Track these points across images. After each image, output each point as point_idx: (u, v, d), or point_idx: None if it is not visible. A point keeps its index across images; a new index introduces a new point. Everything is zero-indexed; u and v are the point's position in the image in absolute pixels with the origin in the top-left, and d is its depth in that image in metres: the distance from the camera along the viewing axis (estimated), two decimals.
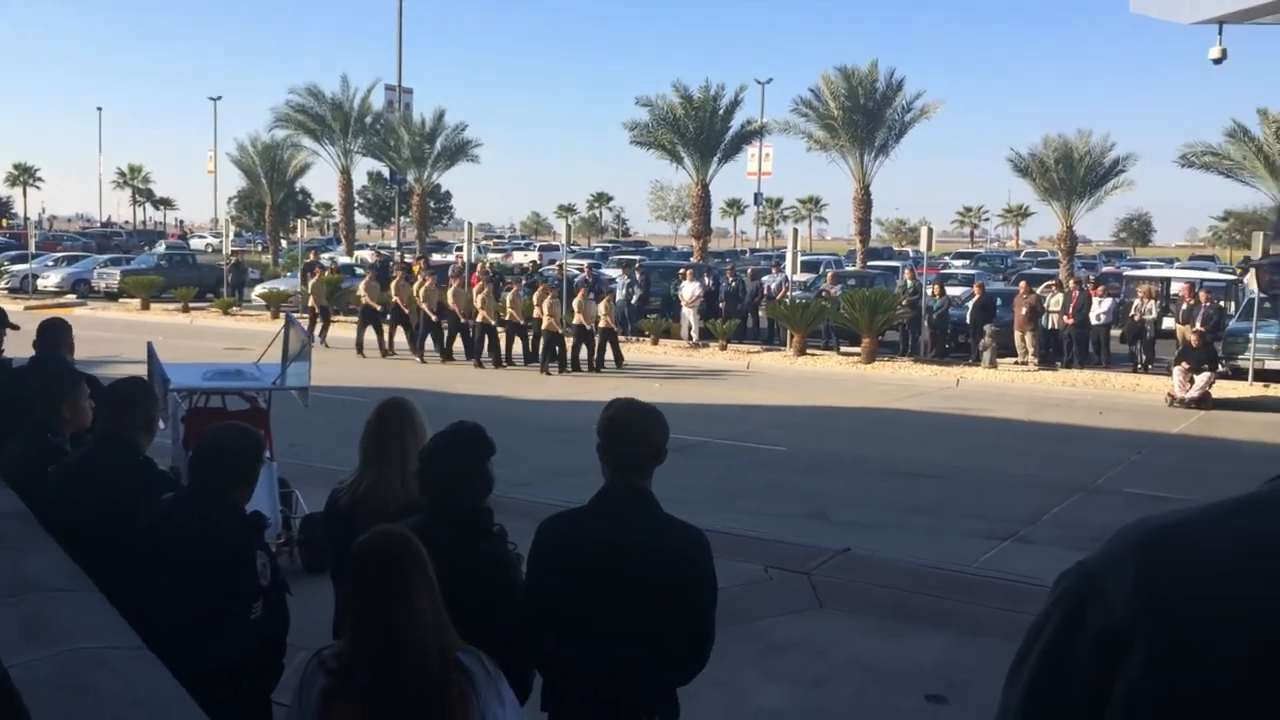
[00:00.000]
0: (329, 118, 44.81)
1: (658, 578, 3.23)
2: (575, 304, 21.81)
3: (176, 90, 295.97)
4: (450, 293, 22.50)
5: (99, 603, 3.58)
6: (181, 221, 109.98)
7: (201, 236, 76.32)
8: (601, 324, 21.55)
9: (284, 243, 53.21)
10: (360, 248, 51.20)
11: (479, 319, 21.68)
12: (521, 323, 21.67)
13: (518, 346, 22.04)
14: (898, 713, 6.03)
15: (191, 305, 32.09)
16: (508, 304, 21.70)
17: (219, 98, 73.60)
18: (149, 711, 2.90)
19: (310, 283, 26.21)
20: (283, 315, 10.96)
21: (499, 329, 21.79)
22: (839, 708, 6.07)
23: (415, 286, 23.04)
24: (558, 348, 21.26)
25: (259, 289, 33.06)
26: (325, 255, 38.86)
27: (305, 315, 24.75)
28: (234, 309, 31.61)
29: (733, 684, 5.95)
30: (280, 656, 3.71)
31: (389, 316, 23.79)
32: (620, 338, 25.69)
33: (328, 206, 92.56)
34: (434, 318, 22.42)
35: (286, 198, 59.11)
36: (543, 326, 21.10)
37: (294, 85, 45.87)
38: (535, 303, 21.37)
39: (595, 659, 3.25)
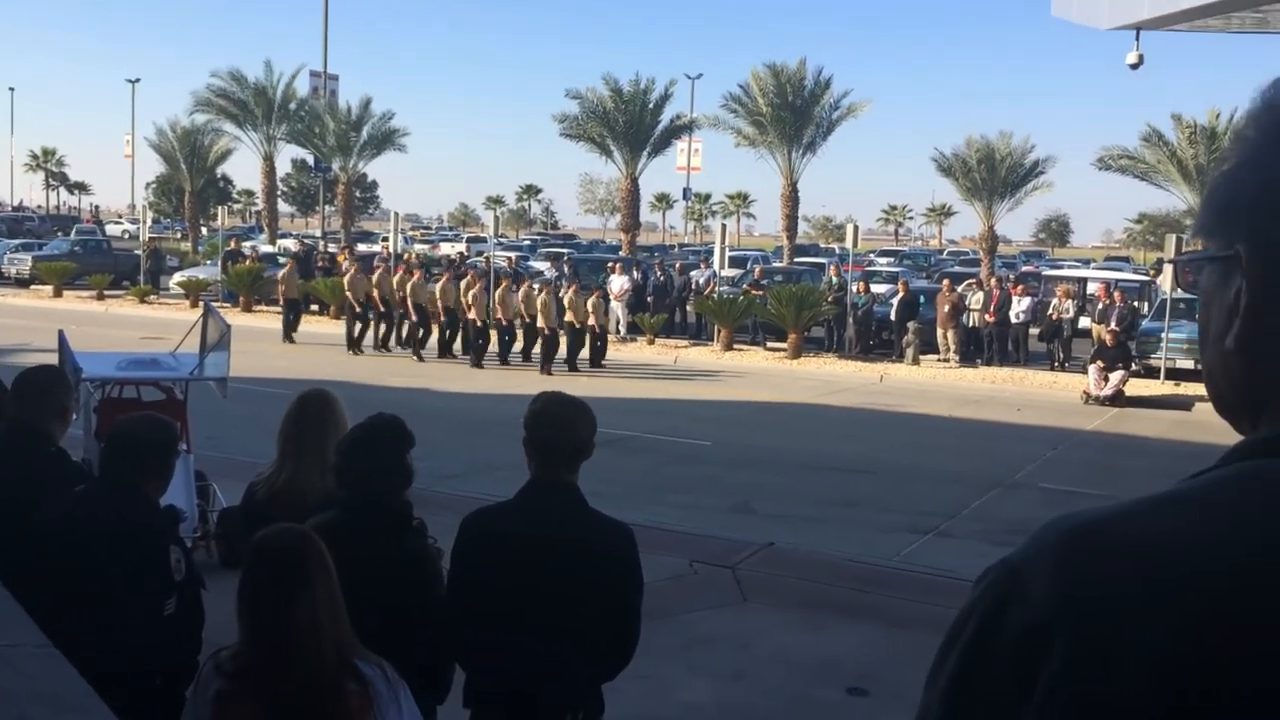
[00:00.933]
0: (252, 103, 43.89)
1: (583, 573, 3.21)
2: (497, 296, 21.49)
3: (93, 72, 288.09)
4: (439, 288, 21.87)
5: (2, 598, 3.46)
6: (96, 207, 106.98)
7: (118, 222, 74.33)
8: (590, 321, 21.00)
9: (204, 230, 52.03)
10: (283, 236, 50.35)
11: (471, 316, 21.03)
12: (505, 322, 20.97)
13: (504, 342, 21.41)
14: (819, 705, 6.09)
15: (106, 293, 31.26)
16: (497, 300, 20.94)
17: (137, 80, 71.61)
18: (54, 710, 2.80)
19: (281, 273, 25.00)
20: (201, 304, 10.73)
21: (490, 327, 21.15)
22: (761, 701, 6.12)
23: (399, 280, 22.28)
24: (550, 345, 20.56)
25: (177, 277, 32.30)
26: (247, 243, 38.19)
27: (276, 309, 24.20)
28: (151, 297, 30.86)
29: (656, 678, 5.96)
30: (196, 654, 3.62)
31: (369, 312, 22.76)
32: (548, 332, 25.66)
33: (250, 194, 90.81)
34: (401, 311, 22.15)
35: (207, 184, 57.81)
36: (538, 324, 20.51)
37: (216, 69, 44.75)
38: (522, 301, 20.75)
39: (518, 655, 3.22)
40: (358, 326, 22.59)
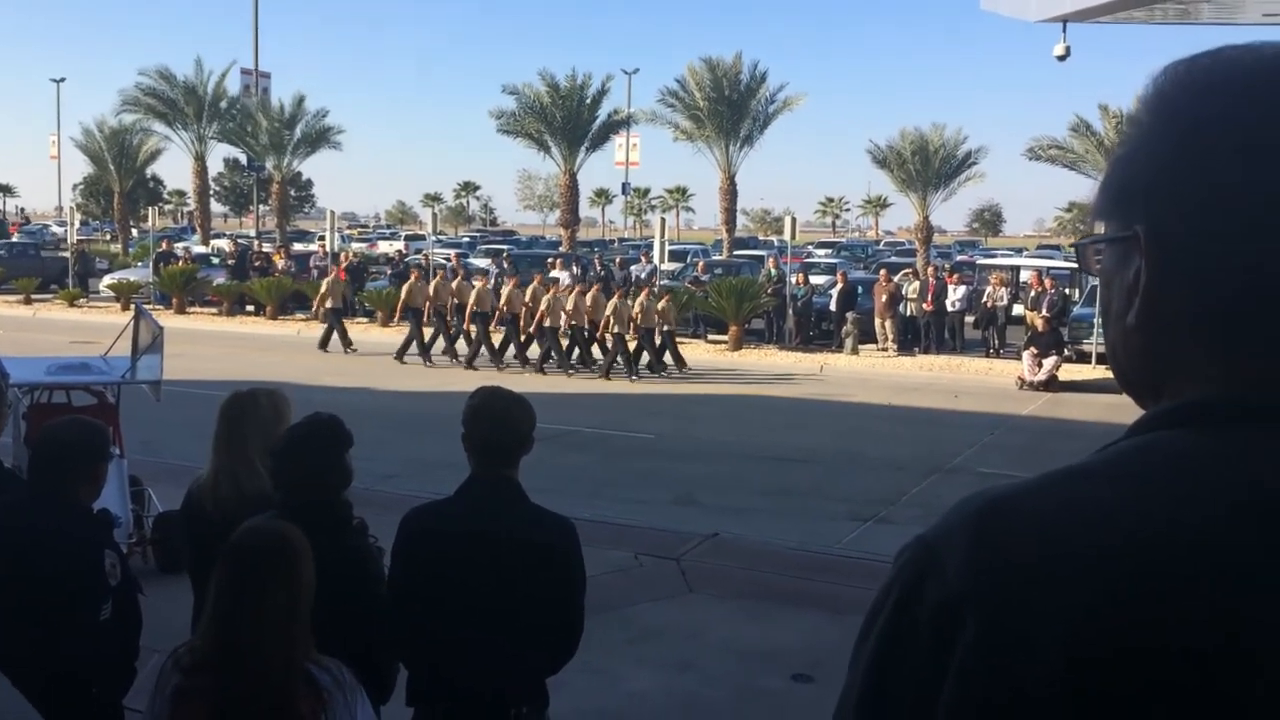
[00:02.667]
0: (181, 102, 43.03)
1: (525, 568, 3.21)
2: (325, 284, 21.37)
3: (16, 71, 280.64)
4: (508, 293, 20.45)
5: None
6: (22, 209, 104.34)
7: (44, 225, 72.56)
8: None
9: (135, 232, 51.01)
10: (217, 237, 49.47)
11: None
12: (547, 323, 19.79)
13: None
14: (765, 693, 6.14)
15: (34, 297, 30.52)
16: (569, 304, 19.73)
17: (62, 79, 69.87)
18: None
19: (327, 281, 22.87)
20: (133, 307, 10.52)
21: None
22: (708, 690, 6.16)
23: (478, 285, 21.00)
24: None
25: (108, 280, 31.61)
26: (180, 245, 37.48)
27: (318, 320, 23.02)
28: (81, 301, 30.19)
29: (603, 671, 5.97)
30: (132, 660, 3.57)
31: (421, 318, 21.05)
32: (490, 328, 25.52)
33: (181, 194, 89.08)
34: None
35: (137, 185, 56.61)
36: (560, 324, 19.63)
37: (144, 67, 43.77)
38: (567, 300, 19.68)
39: (462, 652, 3.21)
40: (426, 335, 20.97)
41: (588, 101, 38.99)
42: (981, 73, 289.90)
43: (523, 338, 20.20)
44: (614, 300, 19.46)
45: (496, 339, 20.60)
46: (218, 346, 22.15)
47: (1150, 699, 0.74)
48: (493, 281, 26.52)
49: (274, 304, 27.11)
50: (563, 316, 19.54)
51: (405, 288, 21.53)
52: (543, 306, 19.48)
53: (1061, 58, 15.72)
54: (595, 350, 19.92)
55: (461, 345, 20.97)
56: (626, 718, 5.80)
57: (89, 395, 7.93)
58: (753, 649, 6.70)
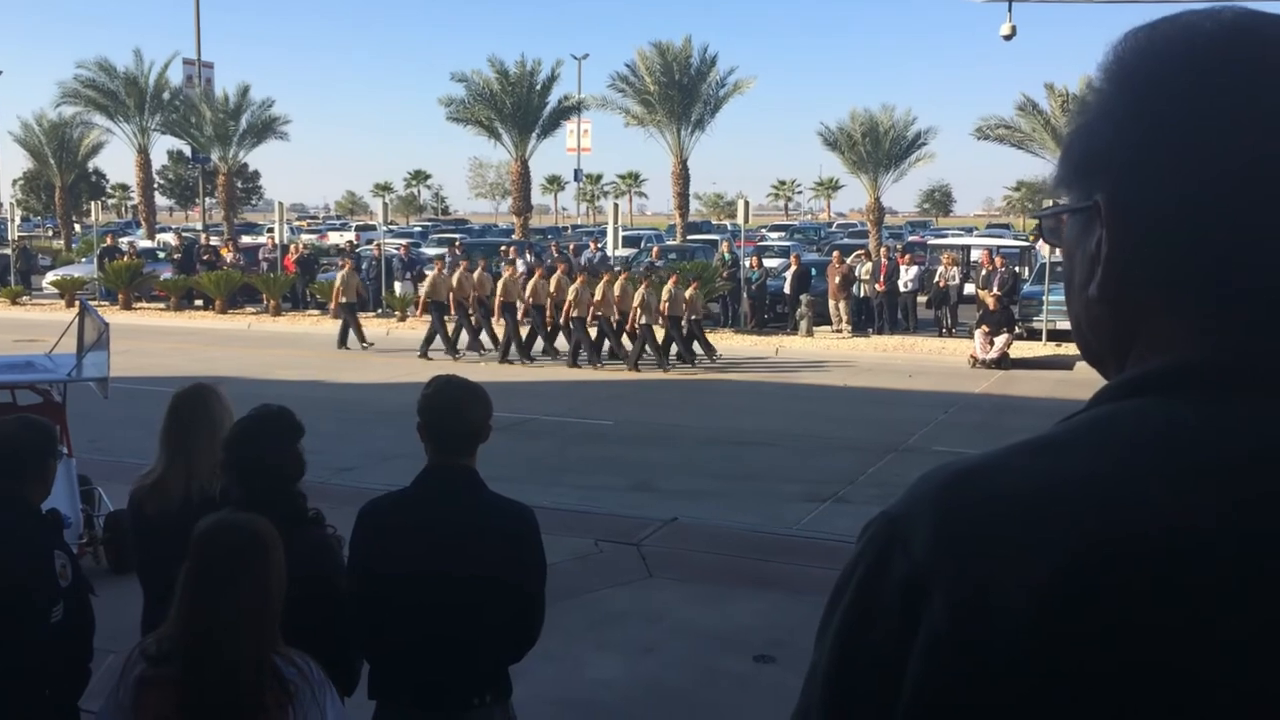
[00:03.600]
0: (123, 93, 42.19)
1: (485, 557, 3.19)
2: (339, 278, 20.90)
3: None
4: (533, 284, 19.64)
5: None
6: None
7: None
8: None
9: (77, 227, 50.05)
10: (162, 230, 48.62)
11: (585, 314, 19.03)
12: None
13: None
14: (727, 675, 6.17)
15: None
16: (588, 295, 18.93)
17: None
18: None
19: (340, 275, 21.61)
20: (78, 303, 10.33)
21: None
22: (670, 674, 6.18)
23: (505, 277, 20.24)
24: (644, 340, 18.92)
25: (51, 276, 31.00)
26: (124, 239, 36.83)
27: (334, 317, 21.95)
28: (23, 298, 29.61)
29: (566, 658, 5.97)
30: (86, 661, 3.51)
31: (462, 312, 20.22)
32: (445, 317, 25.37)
33: (125, 188, 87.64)
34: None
35: (78, 179, 55.52)
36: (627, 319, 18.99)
37: (83, 59, 42.87)
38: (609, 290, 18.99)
39: (424, 643, 3.19)
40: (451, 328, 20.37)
41: (538, 88, 38.77)
42: (930, 54, 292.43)
43: (548, 328, 19.69)
44: (641, 289, 18.78)
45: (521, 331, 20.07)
46: (166, 342, 21.82)
47: (1118, 671, 0.73)
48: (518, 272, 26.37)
49: (223, 298, 26.76)
50: (590, 307, 18.96)
51: (429, 280, 20.77)
52: (570, 297, 18.85)
53: (1008, 37, 15.89)
54: (625, 341, 19.37)
55: (475, 338, 20.50)
56: (590, 704, 5.81)
57: (34, 394, 7.78)
58: (714, 631, 6.73)
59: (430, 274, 21.16)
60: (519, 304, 19.67)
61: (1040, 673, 0.74)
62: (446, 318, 20.37)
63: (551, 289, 19.33)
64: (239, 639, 2.58)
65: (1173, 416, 0.81)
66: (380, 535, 3.25)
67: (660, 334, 19.19)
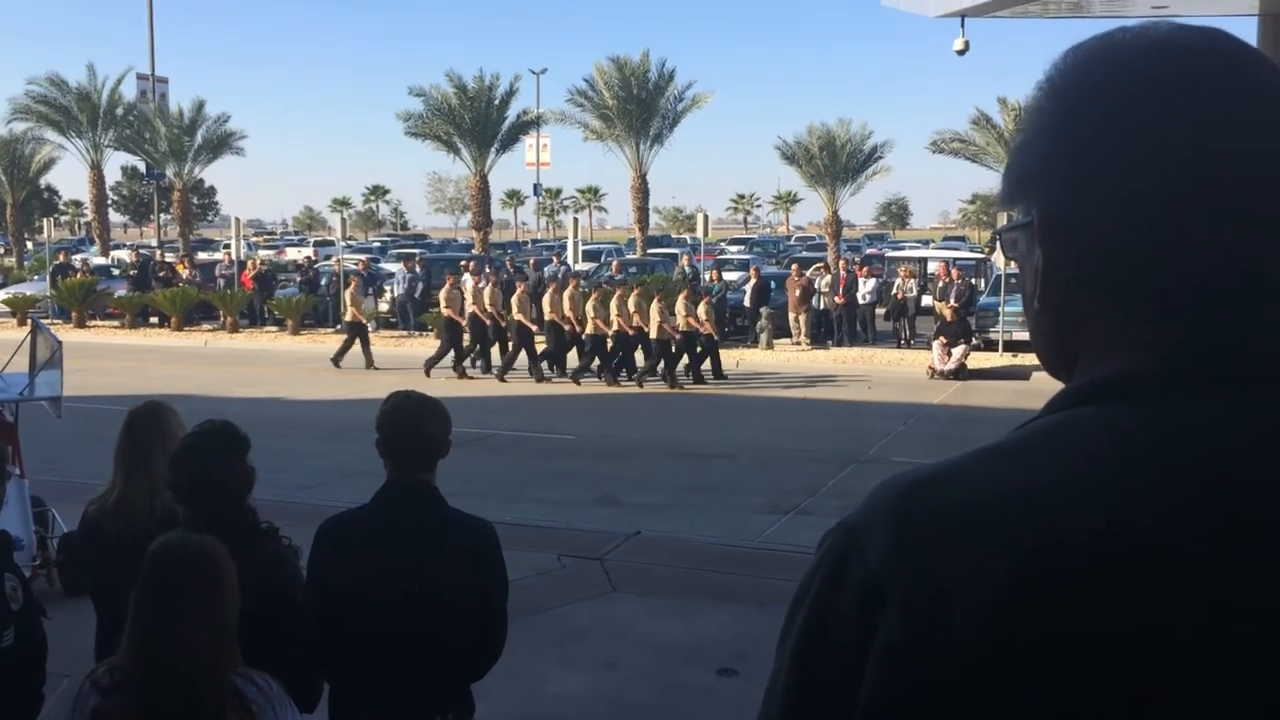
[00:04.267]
0: (75, 109, 41.64)
1: (446, 573, 3.17)
2: (348, 295, 20.62)
3: None
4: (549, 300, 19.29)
5: None
6: None
7: None
8: (704, 330, 18.87)
9: (29, 244, 49.28)
10: (117, 247, 48.02)
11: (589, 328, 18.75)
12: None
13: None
14: (691, 688, 6.17)
15: None
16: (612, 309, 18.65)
17: None
18: None
19: (349, 292, 20.92)
20: (30, 321, 10.16)
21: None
22: (634, 688, 6.16)
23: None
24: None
25: (1, 294, 30.48)
26: (77, 256, 36.33)
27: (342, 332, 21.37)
28: None
29: (529, 674, 5.94)
30: (38, 686, 3.44)
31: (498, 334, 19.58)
32: (404, 333, 25.22)
33: (79, 204, 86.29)
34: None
35: (30, 195, 54.64)
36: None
37: (34, 75, 42.28)
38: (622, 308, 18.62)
39: (385, 661, 3.16)
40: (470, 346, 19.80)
41: (496, 102, 38.70)
42: (885, 68, 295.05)
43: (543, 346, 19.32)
44: (655, 304, 18.40)
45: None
46: (121, 360, 21.53)
47: (1072, 670, 0.74)
48: (403, 286, 26.27)
49: (179, 315, 26.46)
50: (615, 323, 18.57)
51: (442, 295, 20.07)
52: (590, 313, 18.56)
53: (961, 52, 16.04)
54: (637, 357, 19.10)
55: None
56: (555, 719, 5.78)
57: None
58: (678, 645, 6.72)
59: (443, 289, 20.30)
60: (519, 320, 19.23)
61: (996, 675, 0.75)
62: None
63: (565, 305, 18.97)
64: (198, 662, 2.54)
65: (1122, 422, 0.82)
66: (339, 553, 3.22)
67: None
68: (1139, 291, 0.85)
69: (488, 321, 19.47)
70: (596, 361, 18.89)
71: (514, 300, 19.29)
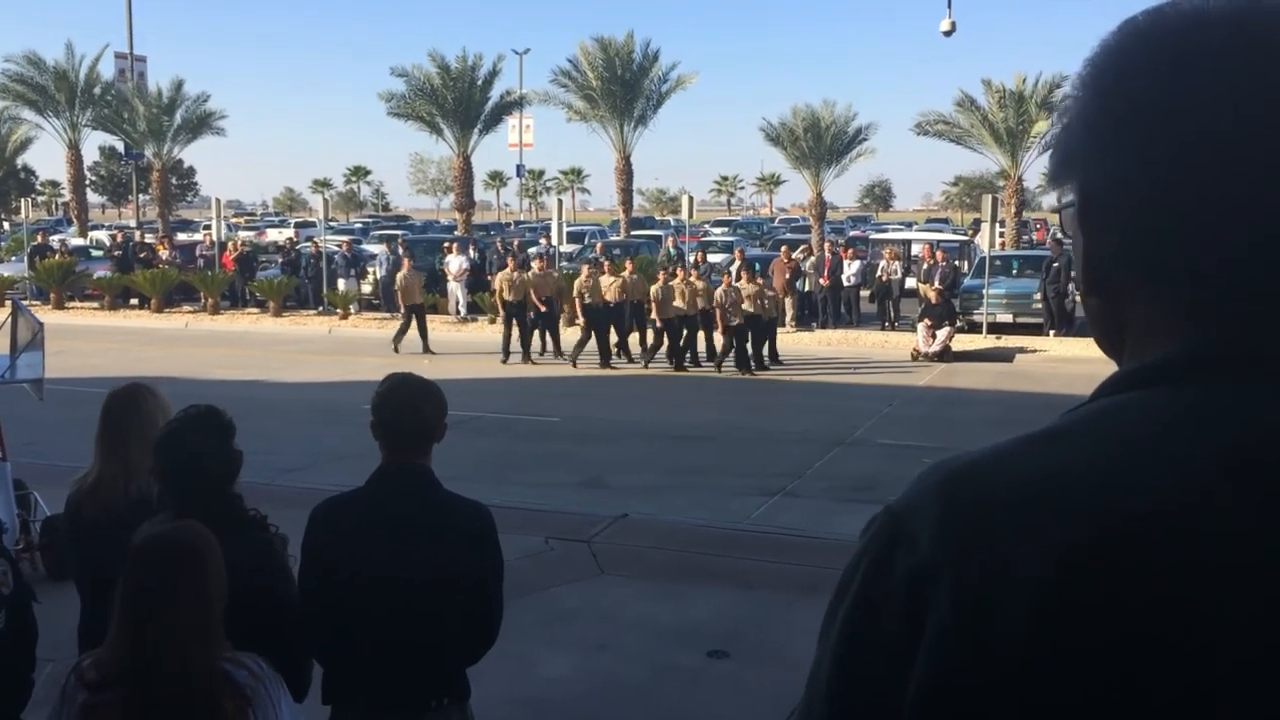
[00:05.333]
0: (52, 88, 41.15)
1: (443, 557, 3.14)
2: (401, 278, 20.27)
3: None
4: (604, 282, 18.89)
5: None
6: None
7: None
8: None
9: (6, 225, 48.81)
10: (95, 228, 47.59)
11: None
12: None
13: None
14: (682, 670, 6.17)
15: None
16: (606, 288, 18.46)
17: None
18: None
19: (401, 275, 20.23)
20: (9, 303, 10.05)
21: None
22: (624, 670, 6.16)
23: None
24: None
25: None
26: (55, 237, 35.98)
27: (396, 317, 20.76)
28: None
29: (519, 657, 5.92)
30: (29, 672, 3.39)
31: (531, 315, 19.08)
32: (387, 315, 25.11)
33: (56, 185, 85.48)
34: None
35: (7, 175, 54.22)
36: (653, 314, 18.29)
37: (10, 53, 41.79)
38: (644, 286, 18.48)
39: (381, 646, 3.13)
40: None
41: (479, 83, 38.44)
42: (871, 50, 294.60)
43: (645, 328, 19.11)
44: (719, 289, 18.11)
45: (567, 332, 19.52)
46: (101, 342, 21.36)
47: (1125, 659, 0.74)
48: (385, 269, 26.10)
49: (159, 296, 26.27)
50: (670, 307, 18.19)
51: (501, 280, 19.31)
52: (656, 297, 18.27)
53: (948, 33, 16.08)
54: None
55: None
56: (544, 702, 5.77)
57: None
58: (667, 627, 6.72)
59: (503, 273, 19.64)
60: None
61: (1049, 657, 0.75)
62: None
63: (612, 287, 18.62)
64: (187, 651, 2.51)
65: (1169, 408, 0.82)
66: (335, 537, 3.19)
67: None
68: (1177, 273, 0.84)
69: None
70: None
71: (503, 281, 19.25)
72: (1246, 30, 0.83)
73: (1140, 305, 0.87)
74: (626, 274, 19.33)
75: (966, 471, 0.83)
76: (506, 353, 19.03)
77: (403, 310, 20.20)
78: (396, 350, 19.60)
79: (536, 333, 19.25)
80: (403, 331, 20.02)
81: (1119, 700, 0.74)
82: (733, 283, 18.39)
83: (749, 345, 18.18)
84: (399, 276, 20.42)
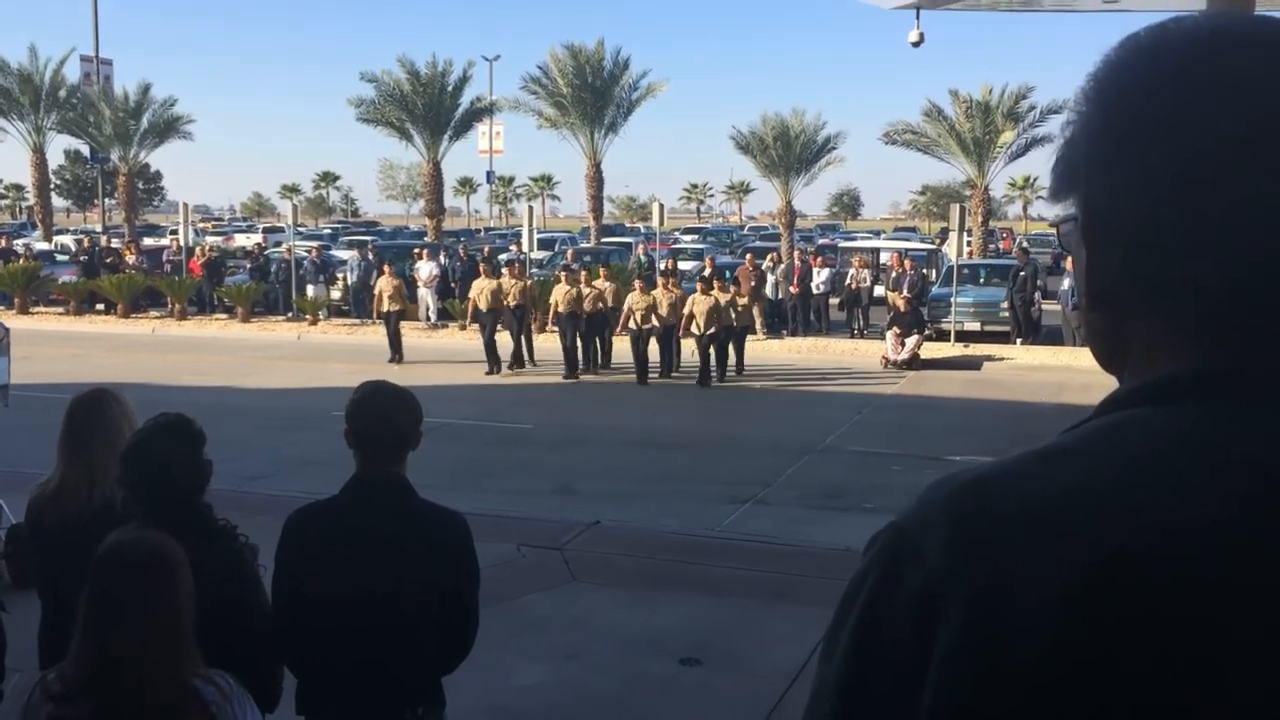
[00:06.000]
0: (16, 91, 40.67)
1: (416, 567, 3.13)
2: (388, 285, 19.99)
3: None
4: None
5: None
6: None
7: None
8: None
9: None
10: (60, 233, 47.04)
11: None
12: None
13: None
14: (654, 678, 6.16)
15: None
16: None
17: None
18: None
19: (380, 280, 20.03)
20: None
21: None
22: (596, 678, 6.15)
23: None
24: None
25: None
26: (20, 241, 35.53)
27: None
28: None
29: (491, 666, 5.89)
30: None
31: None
32: (356, 321, 24.95)
33: (20, 188, 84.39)
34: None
35: None
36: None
37: None
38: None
39: (355, 656, 3.11)
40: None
41: (449, 89, 38.35)
42: (840, 59, 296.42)
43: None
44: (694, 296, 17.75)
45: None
46: (67, 347, 21.10)
47: (1137, 679, 0.74)
48: (355, 274, 25.94)
49: (125, 302, 26.00)
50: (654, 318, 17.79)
51: (501, 286, 18.90)
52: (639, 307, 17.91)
53: (916, 44, 16.13)
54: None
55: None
56: (516, 711, 5.75)
57: None
58: (639, 635, 6.72)
59: (500, 280, 19.29)
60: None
61: (1061, 675, 0.75)
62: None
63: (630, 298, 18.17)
64: (155, 664, 2.48)
65: (1176, 425, 0.82)
66: (308, 546, 3.17)
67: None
68: (1180, 289, 0.84)
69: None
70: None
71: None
72: (1248, 46, 0.84)
73: (1143, 321, 0.87)
74: (601, 283, 19.08)
75: (974, 487, 0.82)
76: (495, 362, 18.64)
77: (379, 317, 19.79)
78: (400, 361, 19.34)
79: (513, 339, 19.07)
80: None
81: (1132, 715, 0.74)
82: (706, 291, 18.00)
83: (713, 356, 17.75)
84: (384, 282, 19.94)
